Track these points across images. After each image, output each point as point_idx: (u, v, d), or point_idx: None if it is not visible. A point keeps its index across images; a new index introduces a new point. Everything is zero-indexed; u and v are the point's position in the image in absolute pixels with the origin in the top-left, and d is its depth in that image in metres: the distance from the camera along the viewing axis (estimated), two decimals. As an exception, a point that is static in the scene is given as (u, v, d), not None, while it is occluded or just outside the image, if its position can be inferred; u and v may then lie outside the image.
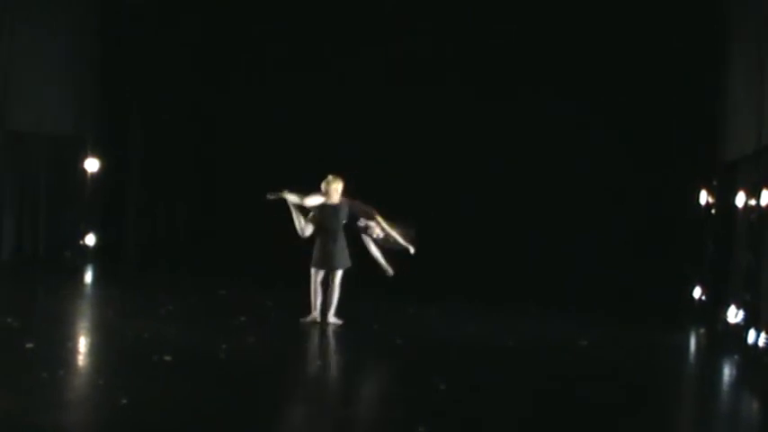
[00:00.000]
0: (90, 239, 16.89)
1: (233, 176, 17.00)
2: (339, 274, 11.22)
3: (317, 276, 11.25)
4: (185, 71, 17.48)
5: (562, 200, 15.87)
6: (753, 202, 11.67)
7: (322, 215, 11.18)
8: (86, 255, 16.70)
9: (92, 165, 16.86)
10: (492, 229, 16.07)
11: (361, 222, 11.38)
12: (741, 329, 11.43)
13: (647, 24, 15.36)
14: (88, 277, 15.89)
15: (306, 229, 11.22)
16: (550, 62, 15.98)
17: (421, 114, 16.39)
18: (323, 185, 11.18)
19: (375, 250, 11.56)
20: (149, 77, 17.25)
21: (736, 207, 12.35)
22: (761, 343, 10.54)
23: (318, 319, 11.27)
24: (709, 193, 14.19)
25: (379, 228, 11.39)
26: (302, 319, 11.28)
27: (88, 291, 15.11)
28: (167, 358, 9.08)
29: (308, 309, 11.31)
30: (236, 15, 17.13)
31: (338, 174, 11.27)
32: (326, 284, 11.29)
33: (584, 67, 15.81)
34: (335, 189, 11.15)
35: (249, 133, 16.98)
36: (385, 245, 11.51)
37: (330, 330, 11.14)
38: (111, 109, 17.14)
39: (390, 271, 11.61)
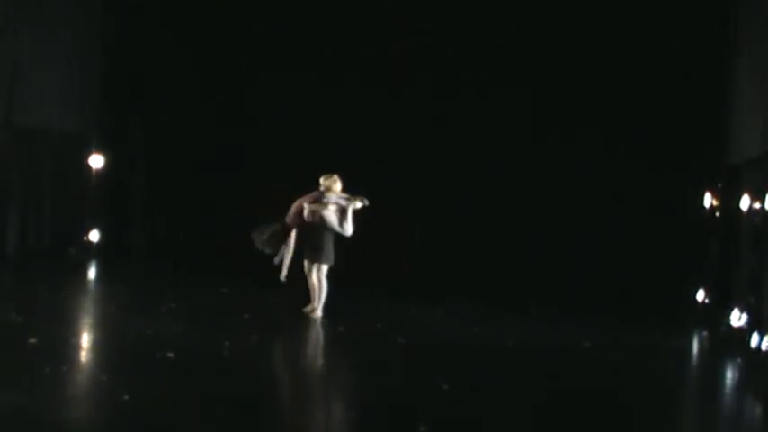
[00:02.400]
0: (94, 236, 16.91)
1: (235, 175, 17.00)
2: (324, 269, 11.62)
3: (311, 269, 11.69)
4: (186, 70, 17.51)
5: (562, 200, 15.86)
6: (757, 205, 11.67)
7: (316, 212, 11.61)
8: (90, 251, 16.72)
9: (96, 162, 16.90)
10: (492, 229, 16.07)
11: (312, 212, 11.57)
12: (744, 332, 11.42)
13: (650, 25, 15.34)
14: (91, 274, 15.90)
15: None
16: (551, 62, 15.97)
17: (421, 114, 16.39)
18: (326, 182, 11.70)
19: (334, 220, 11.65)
20: (151, 76, 17.29)
21: (740, 210, 12.35)
22: (764, 346, 10.53)
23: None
24: (714, 195, 14.18)
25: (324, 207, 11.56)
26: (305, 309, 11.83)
27: (91, 287, 15.13)
28: (170, 355, 9.09)
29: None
30: (236, 15, 17.15)
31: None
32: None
33: (585, 67, 15.79)
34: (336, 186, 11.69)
35: (250, 132, 16.99)
36: (345, 206, 11.62)
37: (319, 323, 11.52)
38: (114, 107, 17.18)
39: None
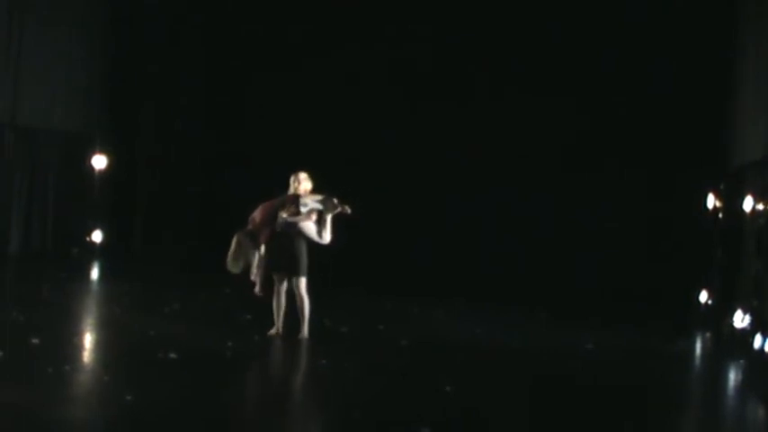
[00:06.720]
0: (96, 236, 16.93)
1: (238, 174, 17.05)
2: (303, 283, 10.20)
3: (282, 285, 10.30)
4: (191, 70, 17.55)
5: (564, 201, 15.88)
6: (760, 206, 11.65)
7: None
8: (93, 251, 16.74)
9: (99, 162, 16.92)
10: (493, 230, 16.09)
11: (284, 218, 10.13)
12: (747, 334, 11.40)
13: (652, 25, 15.38)
14: (94, 273, 15.91)
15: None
16: (554, 64, 16.00)
17: (421, 115, 16.45)
18: (295, 183, 10.31)
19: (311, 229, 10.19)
20: (156, 76, 17.33)
21: (743, 211, 12.33)
22: (767, 348, 10.51)
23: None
24: (717, 197, 14.17)
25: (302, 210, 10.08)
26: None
27: (94, 287, 15.15)
28: (173, 356, 9.08)
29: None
30: (238, 16, 17.20)
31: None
32: (291, 294, 10.32)
33: (587, 68, 15.81)
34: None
35: (252, 132, 17.02)
36: (325, 212, 10.13)
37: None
38: (117, 107, 17.22)
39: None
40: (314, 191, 10.32)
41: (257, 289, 10.33)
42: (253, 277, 10.30)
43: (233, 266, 10.29)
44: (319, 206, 10.17)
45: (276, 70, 17.06)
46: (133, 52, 17.13)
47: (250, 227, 10.24)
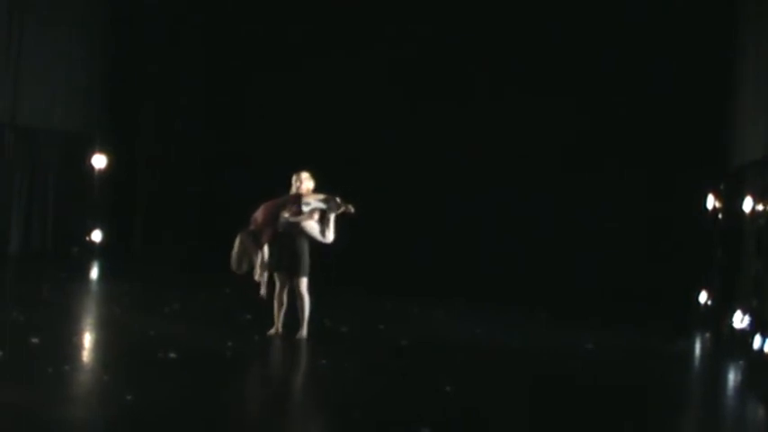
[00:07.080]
0: (96, 236, 16.94)
1: (238, 174, 17.06)
2: (304, 282, 10.20)
3: (285, 284, 10.29)
4: (191, 70, 17.56)
5: (564, 201, 15.89)
6: (760, 206, 11.66)
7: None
8: (93, 251, 16.75)
9: (99, 162, 16.93)
10: (493, 230, 16.10)
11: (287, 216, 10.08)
12: (747, 335, 11.41)
13: (653, 25, 15.39)
14: (94, 273, 15.92)
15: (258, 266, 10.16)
16: (554, 64, 16.02)
17: (421, 115, 16.46)
18: (297, 183, 10.25)
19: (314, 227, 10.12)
20: (156, 76, 17.34)
21: (743, 212, 12.34)
22: (767, 348, 10.51)
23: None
24: (717, 197, 14.17)
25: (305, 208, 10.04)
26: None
27: (94, 287, 15.15)
28: (172, 355, 9.09)
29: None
30: (240, 17, 17.22)
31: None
32: (291, 293, 10.28)
33: (587, 68, 15.83)
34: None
35: (253, 132, 17.04)
36: (328, 212, 10.08)
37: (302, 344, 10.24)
38: (117, 107, 17.23)
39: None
40: (315, 190, 10.30)
41: (262, 291, 10.33)
42: (257, 278, 10.28)
43: (237, 267, 10.29)
44: (322, 205, 10.15)
45: (276, 70, 17.07)
46: (133, 52, 17.14)
47: (252, 227, 10.23)
